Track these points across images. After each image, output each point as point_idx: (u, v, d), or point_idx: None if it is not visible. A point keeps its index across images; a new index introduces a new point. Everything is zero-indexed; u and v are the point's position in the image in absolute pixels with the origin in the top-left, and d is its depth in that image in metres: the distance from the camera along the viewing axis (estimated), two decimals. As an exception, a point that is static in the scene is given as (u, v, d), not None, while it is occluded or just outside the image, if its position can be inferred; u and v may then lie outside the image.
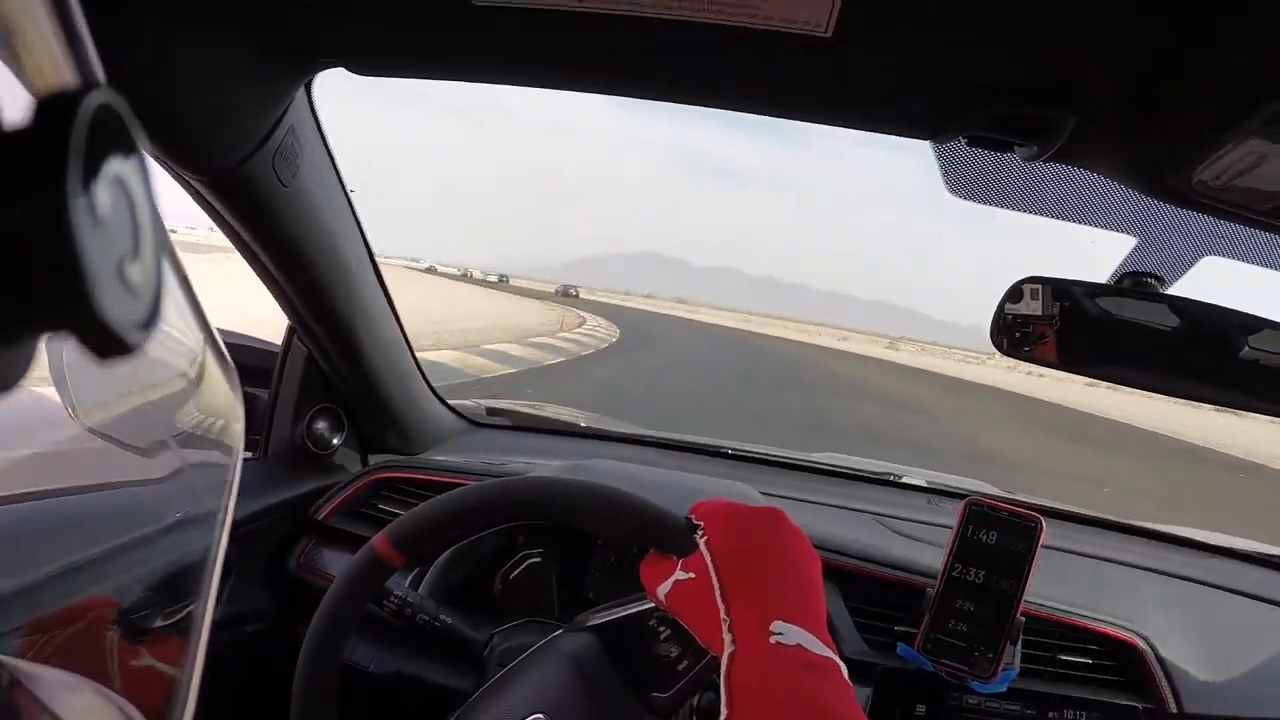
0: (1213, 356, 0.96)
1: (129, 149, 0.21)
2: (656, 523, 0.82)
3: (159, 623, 0.46)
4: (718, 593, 0.73)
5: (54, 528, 0.83)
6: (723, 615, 0.71)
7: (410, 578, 1.22)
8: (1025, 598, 1.07)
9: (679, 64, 0.80)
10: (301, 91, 0.97)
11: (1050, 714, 1.09)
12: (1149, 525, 1.61)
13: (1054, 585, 1.20)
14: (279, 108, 0.93)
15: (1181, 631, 1.20)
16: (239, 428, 0.45)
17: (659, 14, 0.68)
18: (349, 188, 1.15)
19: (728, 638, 0.70)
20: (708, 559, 0.76)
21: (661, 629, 0.89)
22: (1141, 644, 1.15)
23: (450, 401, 1.61)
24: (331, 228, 1.13)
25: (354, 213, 1.18)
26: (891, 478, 1.69)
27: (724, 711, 0.65)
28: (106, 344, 0.20)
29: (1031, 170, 0.90)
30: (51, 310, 0.18)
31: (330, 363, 1.30)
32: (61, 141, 0.18)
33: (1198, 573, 1.42)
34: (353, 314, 1.24)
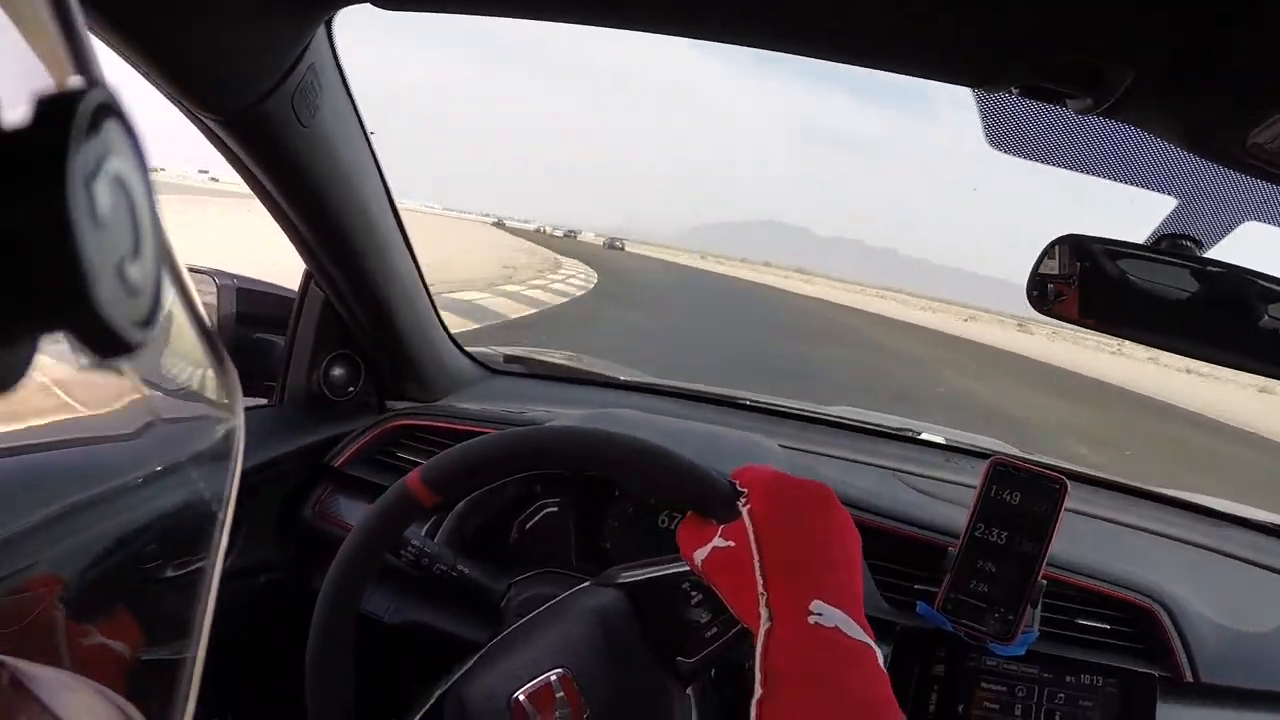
0: (1232, 322, 0.95)
1: (129, 148, 0.21)
2: (700, 485, 0.82)
3: (159, 623, 0.46)
4: (757, 565, 0.72)
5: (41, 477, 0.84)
6: (760, 589, 0.71)
7: (426, 527, 1.21)
8: (1046, 561, 1.07)
9: (717, 3, 0.78)
10: (322, 30, 0.95)
11: (1068, 678, 1.09)
12: (1167, 491, 1.61)
13: (1073, 549, 1.20)
14: (300, 45, 0.91)
15: (1199, 601, 1.19)
16: (239, 427, 0.44)
17: None
18: (369, 130, 1.13)
19: (764, 613, 0.69)
20: (749, 529, 0.75)
21: (693, 594, 0.88)
22: (1160, 612, 1.14)
23: (468, 348, 1.60)
24: (350, 170, 1.11)
25: (374, 155, 1.16)
26: (910, 433, 1.68)
27: (758, 690, 0.65)
28: (107, 343, 0.20)
29: (1075, 125, 0.88)
30: (51, 310, 0.18)
31: (347, 308, 1.29)
32: (61, 141, 0.18)
33: (1215, 541, 1.42)
34: (370, 258, 1.22)
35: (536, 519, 1.26)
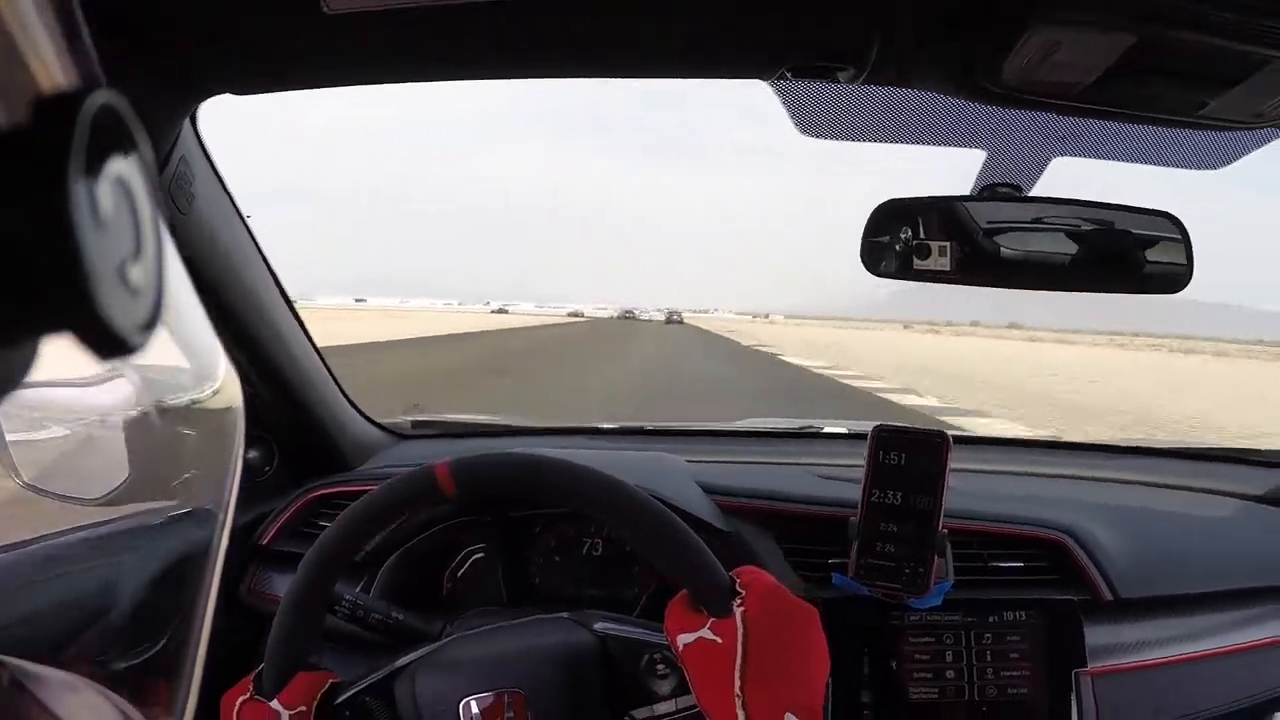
0: (1108, 267, 1.02)
1: (130, 149, 0.21)
2: (702, 571, 0.85)
3: (159, 624, 0.47)
4: (738, 666, 0.78)
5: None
6: (737, 690, 0.76)
7: (360, 586, 1.23)
8: (952, 516, 1.11)
9: (526, 40, 0.85)
10: (188, 123, 1.00)
11: (991, 618, 1.12)
12: (1063, 439, 1.67)
13: (976, 501, 1.25)
14: (169, 139, 0.96)
15: (1107, 526, 1.24)
16: (239, 425, 0.46)
17: None
18: (245, 213, 1.18)
19: (741, 713, 0.75)
20: (739, 631, 0.80)
21: (661, 667, 0.91)
22: (1068, 540, 1.19)
23: (376, 419, 1.62)
24: (232, 253, 1.15)
25: (253, 237, 1.21)
26: (813, 430, 1.74)
27: None
28: (107, 345, 0.20)
29: (872, 99, 0.95)
30: (52, 311, 0.19)
31: (252, 390, 1.32)
32: (63, 142, 0.18)
33: (1114, 472, 1.48)
34: (266, 340, 1.26)
35: (466, 566, 1.28)
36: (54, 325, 0.19)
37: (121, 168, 0.21)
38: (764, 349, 28.59)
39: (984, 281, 1.07)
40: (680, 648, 0.82)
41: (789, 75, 0.85)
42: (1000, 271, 1.06)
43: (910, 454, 1.11)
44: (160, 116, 0.93)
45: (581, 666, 0.91)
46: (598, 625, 0.95)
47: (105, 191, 0.20)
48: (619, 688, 0.92)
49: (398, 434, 1.65)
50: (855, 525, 1.11)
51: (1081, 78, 0.79)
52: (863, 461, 1.13)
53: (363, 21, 0.77)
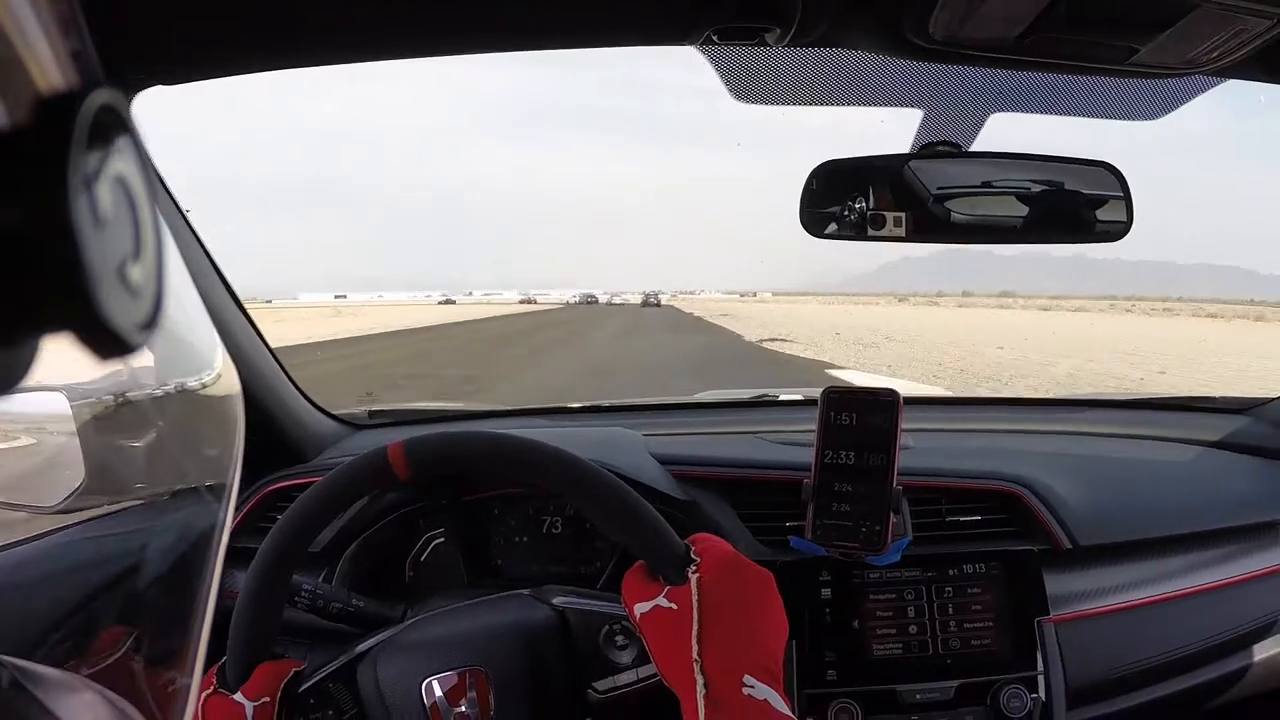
0: (1057, 223, 1.04)
1: (130, 149, 0.21)
2: (657, 540, 0.85)
3: (159, 626, 0.46)
4: (695, 632, 0.78)
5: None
6: (695, 655, 0.77)
7: (322, 575, 1.22)
8: (908, 474, 1.12)
9: (445, 15, 0.84)
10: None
11: (951, 571, 1.14)
12: (1016, 395, 1.70)
13: (930, 459, 1.26)
14: None
15: (1063, 475, 1.26)
16: (239, 423, 0.46)
17: None
18: (184, 208, 1.16)
19: (700, 679, 0.75)
20: (694, 596, 0.80)
21: (620, 638, 0.93)
22: (1024, 492, 1.21)
23: (332, 411, 1.61)
24: None
25: (194, 233, 1.19)
26: (768, 397, 1.75)
27: None
28: (107, 345, 0.20)
29: (805, 62, 0.95)
30: (53, 311, 0.18)
31: None
32: (63, 141, 0.18)
33: (1068, 425, 1.50)
34: None
35: (427, 552, 1.28)
36: (54, 325, 0.19)
37: (121, 167, 0.20)
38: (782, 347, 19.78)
39: (935, 239, 1.08)
40: (638, 617, 0.83)
41: (715, 39, 0.84)
42: (950, 231, 1.07)
43: (861, 413, 1.12)
44: None
45: (541, 641, 0.92)
46: (556, 600, 0.96)
47: (104, 190, 0.20)
48: (580, 661, 0.93)
49: (354, 425, 1.64)
50: (809, 487, 1.12)
51: (1009, 30, 0.79)
52: (815, 426, 1.14)
53: (282, 2, 0.76)
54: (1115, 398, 1.63)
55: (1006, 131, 1.07)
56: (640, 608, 0.83)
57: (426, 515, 1.28)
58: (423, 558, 1.28)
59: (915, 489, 1.19)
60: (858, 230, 1.06)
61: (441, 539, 1.28)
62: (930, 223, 1.04)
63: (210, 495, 0.43)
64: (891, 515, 1.09)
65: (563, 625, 0.94)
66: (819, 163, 1.01)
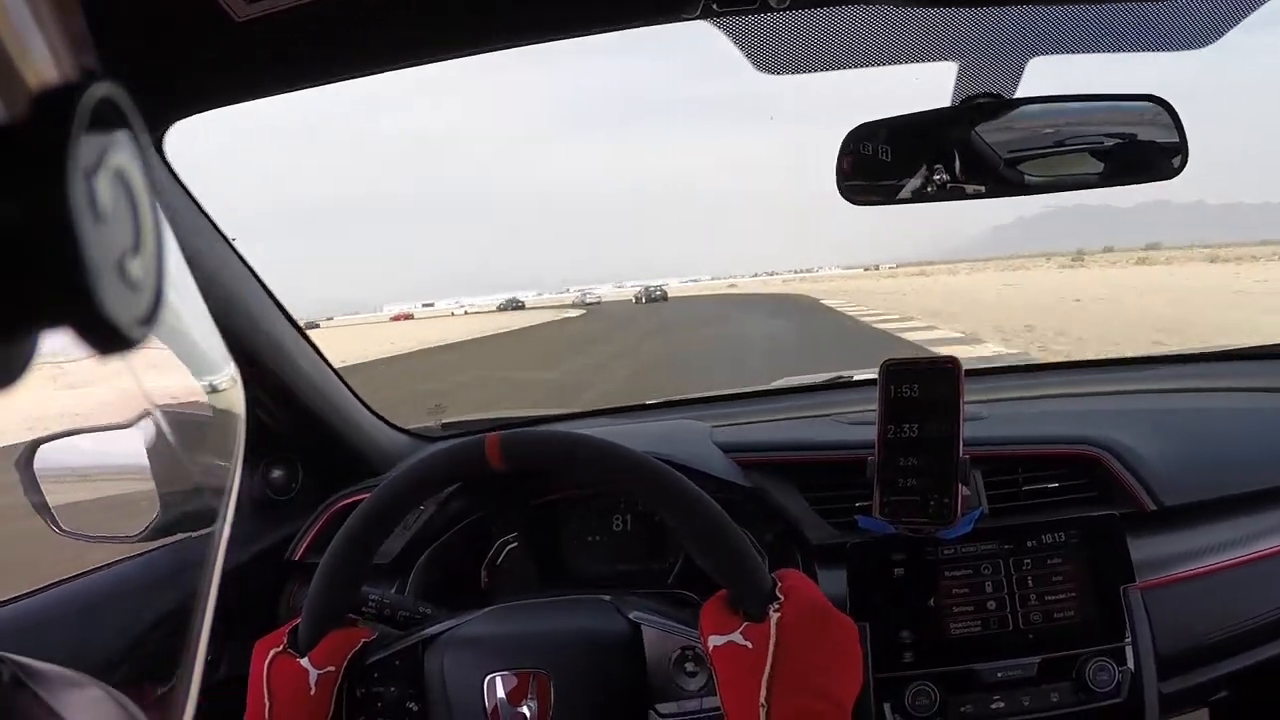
0: (1096, 154, 0.99)
1: (130, 143, 0.21)
2: (743, 572, 0.84)
3: (159, 624, 0.46)
4: (766, 675, 0.76)
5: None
6: (762, 699, 0.75)
7: (394, 588, 1.24)
8: (980, 444, 1.07)
9: (438, 22, 0.84)
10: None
11: (1029, 542, 1.09)
12: (1086, 358, 1.62)
13: (1005, 428, 1.22)
14: None
15: (1143, 434, 1.20)
16: (239, 423, 0.46)
17: None
18: (230, 236, 1.18)
19: None
20: (771, 638, 0.78)
21: (690, 665, 0.91)
22: (1104, 454, 1.15)
23: (404, 426, 1.63)
24: (221, 277, 1.16)
25: (242, 259, 1.21)
26: (842, 379, 1.71)
27: None
28: (107, 340, 0.20)
29: (828, 25, 0.92)
30: (52, 306, 0.19)
31: (265, 411, 1.33)
32: (62, 136, 0.18)
33: (1144, 383, 1.43)
34: (269, 358, 1.26)
35: (501, 557, 1.28)
36: (53, 319, 0.19)
37: (120, 160, 0.20)
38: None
39: (994, 193, 1.05)
40: (711, 649, 0.81)
41: (715, 8, 0.81)
42: (1009, 184, 1.03)
43: (923, 384, 1.08)
44: None
45: (611, 653, 0.91)
46: (634, 613, 0.94)
47: (104, 184, 0.19)
48: (647, 680, 0.91)
49: (428, 438, 1.66)
50: (874, 464, 1.09)
51: None
52: None
53: (275, 27, 0.77)
54: (1186, 352, 1.55)
55: (1046, 78, 1.02)
56: (714, 640, 0.81)
57: (497, 521, 1.28)
58: (498, 562, 1.28)
59: (990, 459, 1.14)
60: (915, 193, 1.03)
61: (515, 543, 1.28)
62: (985, 176, 1.00)
63: (211, 499, 0.43)
64: (961, 487, 1.05)
65: (635, 640, 0.92)
66: (854, 126, 0.98)
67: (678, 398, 1.75)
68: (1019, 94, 1.01)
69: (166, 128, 0.99)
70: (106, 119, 0.20)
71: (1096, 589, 1.08)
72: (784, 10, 0.82)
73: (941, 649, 1.08)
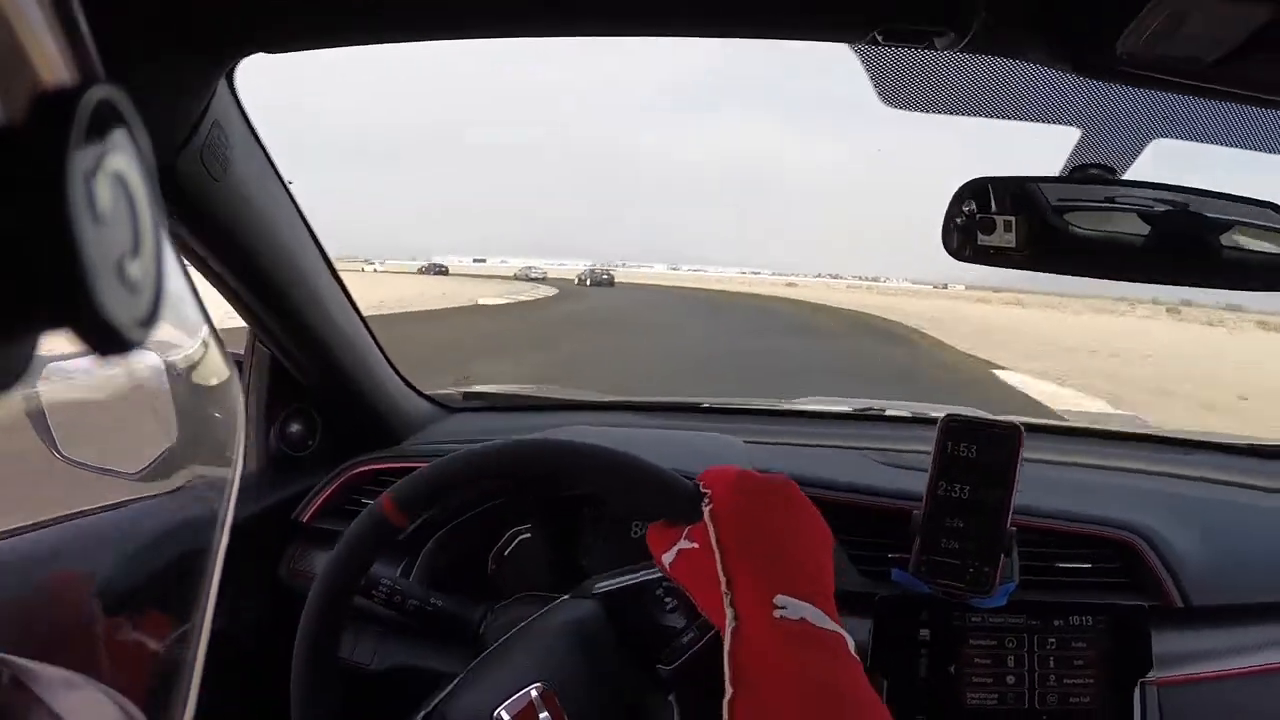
0: (1188, 255, 0.96)
1: (129, 145, 0.21)
2: (663, 488, 0.83)
3: (159, 622, 0.46)
4: (719, 563, 0.72)
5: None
6: (724, 587, 0.71)
7: (400, 568, 1.21)
8: (1016, 509, 1.06)
9: None
10: (224, 85, 0.97)
11: (1056, 622, 1.08)
12: (1131, 430, 1.61)
13: (1043, 496, 1.19)
14: (201, 103, 0.92)
15: (1179, 527, 1.19)
16: (240, 424, 0.45)
17: None
18: (288, 180, 1.14)
19: (729, 611, 0.69)
20: (710, 529, 0.75)
21: (668, 599, 0.89)
22: (1139, 542, 1.14)
23: (426, 391, 1.60)
24: (272, 222, 1.12)
25: (296, 205, 1.17)
26: (874, 411, 1.68)
27: (729, 689, 0.65)
28: (106, 342, 0.19)
29: (962, 71, 0.89)
30: (51, 308, 0.18)
31: (293, 362, 1.29)
32: (61, 138, 0.18)
33: (1183, 468, 1.42)
34: (306, 308, 1.23)
35: (511, 547, 1.25)
36: (52, 321, 0.18)
37: (119, 162, 0.20)
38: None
39: (1052, 266, 1.01)
40: (668, 568, 0.80)
41: (879, 39, 0.79)
42: (1070, 257, 1.01)
43: (981, 446, 1.06)
44: (192, 80, 0.90)
45: (594, 636, 0.89)
46: (595, 589, 0.94)
47: (103, 186, 0.19)
48: (637, 640, 0.90)
49: (448, 407, 1.63)
50: (919, 519, 1.07)
51: (1202, 54, 0.73)
52: (927, 447, 1.09)
53: None
54: (1237, 443, 1.53)
55: (1163, 158, 1.00)
56: (666, 557, 0.79)
57: (515, 510, 1.25)
58: (506, 552, 1.25)
59: (1023, 528, 1.13)
60: (971, 243, 1.01)
61: (527, 534, 1.25)
62: (1046, 240, 0.98)
63: (211, 488, 0.43)
64: (1003, 557, 1.04)
65: (609, 611, 0.91)
66: (970, 179, 0.95)
67: (704, 403, 1.72)
68: (1132, 171, 0.99)
69: (236, 62, 0.95)
70: (106, 121, 0.20)
71: (1115, 679, 1.06)
72: (946, 52, 0.79)
73: (956, 716, 1.06)
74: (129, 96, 0.67)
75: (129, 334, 0.20)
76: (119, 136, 0.20)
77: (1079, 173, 0.98)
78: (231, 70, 0.97)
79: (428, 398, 1.59)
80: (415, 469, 1.32)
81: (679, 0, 0.81)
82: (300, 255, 1.19)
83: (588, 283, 53.16)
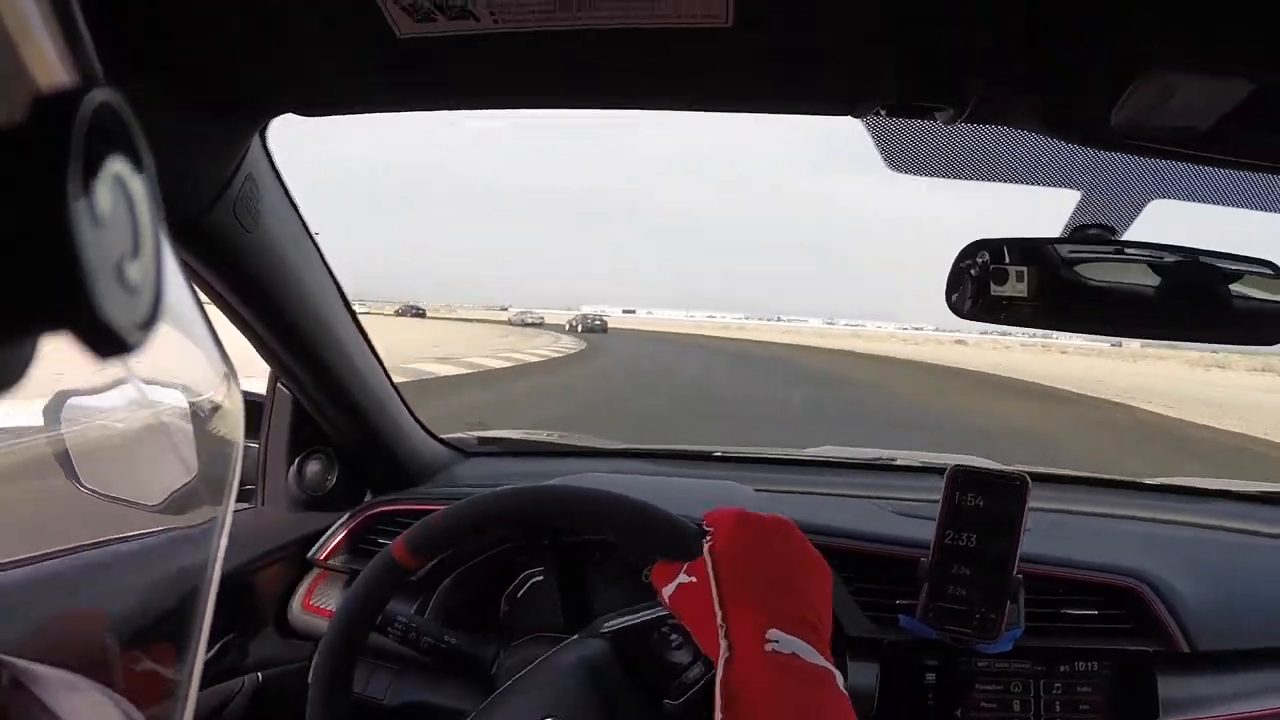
0: (1198, 306, 0.98)
1: (129, 148, 0.21)
2: (666, 529, 0.85)
3: (158, 629, 0.47)
4: (715, 598, 0.75)
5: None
6: (719, 620, 0.73)
7: (415, 605, 1.23)
8: (1023, 558, 1.07)
9: (596, 71, 0.84)
10: (256, 140, 1.00)
11: (1061, 667, 1.09)
12: (1143, 479, 1.62)
13: (1049, 543, 1.21)
14: (235, 157, 0.96)
15: (1186, 573, 1.20)
16: (239, 428, 0.46)
17: (569, 26, 0.71)
18: (313, 230, 1.18)
19: (724, 643, 0.72)
20: (709, 563, 0.78)
21: (673, 636, 0.91)
22: (1144, 589, 1.15)
23: (441, 435, 1.62)
24: (299, 271, 1.15)
25: (321, 255, 1.21)
26: (885, 461, 1.70)
27: (718, 715, 0.67)
28: (106, 344, 0.20)
29: (965, 136, 0.92)
30: (51, 310, 0.19)
31: (314, 405, 1.32)
32: (61, 141, 0.18)
33: (1197, 517, 1.43)
34: (330, 354, 1.26)
35: (523, 589, 1.27)
36: (52, 323, 0.19)
37: (119, 166, 0.21)
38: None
39: (1064, 323, 1.03)
40: (668, 601, 0.82)
41: (882, 113, 0.83)
42: (1083, 310, 1.02)
43: (988, 497, 1.08)
44: (226, 135, 0.93)
45: (603, 674, 0.91)
46: (603, 629, 0.96)
47: (103, 189, 0.20)
48: (645, 677, 0.91)
49: (463, 451, 1.65)
50: (926, 566, 1.09)
51: (1195, 123, 0.76)
52: (937, 496, 1.11)
53: (434, 47, 0.76)
54: (1244, 490, 1.54)
55: (1163, 218, 1.02)
56: (667, 591, 0.82)
57: (527, 551, 1.27)
58: (519, 595, 1.27)
59: (1029, 575, 1.15)
60: (983, 295, 1.03)
61: (540, 577, 1.27)
62: (1086, 312, 1.00)
63: (210, 502, 0.44)
64: (1009, 604, 1.06)
65: (617, 650, 0.93)
66: (970, 242, 0.98)
67: (716, 452, 1.74)
68: (1132, 231, 1.02)
69: (271, 119, 0.99)
70: (106, 124, 0.20)
71: None
72: (948, 124, 0.82)
73: None
74: (169, 150, 0.70)
75: (128, 336, 0.20)
76: (119, 140, 0.21)
77: (1079, 233, 1.01)
78: (264, 128, 1.01)
79: (443, 442, 1.61)
80: (429, 511, 1.35)
81: (702, 80, 0.84)
82: (325, 303, 1.22)
83: (579, 329, 49.37)
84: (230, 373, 0.44)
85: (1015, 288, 0.98)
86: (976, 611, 1.06)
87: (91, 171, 0.19)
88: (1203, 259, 0.98)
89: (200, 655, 0.41)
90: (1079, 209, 1.01)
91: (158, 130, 0.82)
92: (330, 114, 0.97)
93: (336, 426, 1.37)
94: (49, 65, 0.20)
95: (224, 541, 0.44)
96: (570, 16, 0.69)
